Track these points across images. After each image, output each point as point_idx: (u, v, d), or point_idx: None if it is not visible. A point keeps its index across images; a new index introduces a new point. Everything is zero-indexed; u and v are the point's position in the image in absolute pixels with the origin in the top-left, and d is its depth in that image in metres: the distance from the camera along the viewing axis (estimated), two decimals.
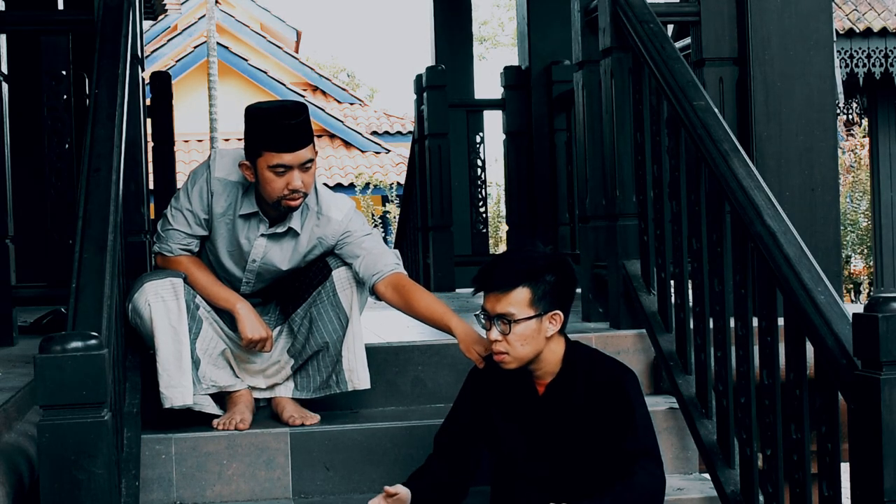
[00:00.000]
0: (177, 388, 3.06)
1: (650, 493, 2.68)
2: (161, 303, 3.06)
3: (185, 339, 3.08)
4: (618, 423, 2.70)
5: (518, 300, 2.68)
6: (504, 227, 10.11)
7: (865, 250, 13.93)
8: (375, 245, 3.24)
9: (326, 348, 3.23)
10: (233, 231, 3.20)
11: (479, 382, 2.90)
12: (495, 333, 2.70)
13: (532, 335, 2.69)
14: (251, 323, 3.17)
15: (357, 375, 3.23)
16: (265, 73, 20.04)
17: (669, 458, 3.28)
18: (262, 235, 3.19)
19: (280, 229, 3.18)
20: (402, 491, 2.77)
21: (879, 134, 12.81)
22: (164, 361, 3.05)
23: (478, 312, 2.77)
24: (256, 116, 3.06)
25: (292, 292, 3.29)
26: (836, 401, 2.54)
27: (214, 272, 3.29)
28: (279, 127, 3.01)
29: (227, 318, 3.25)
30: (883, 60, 11.79)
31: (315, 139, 3.12)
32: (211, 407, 3.19)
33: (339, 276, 3.22)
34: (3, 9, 3.78)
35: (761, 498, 2.90)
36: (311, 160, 3.07)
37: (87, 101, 3.61)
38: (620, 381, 2.74)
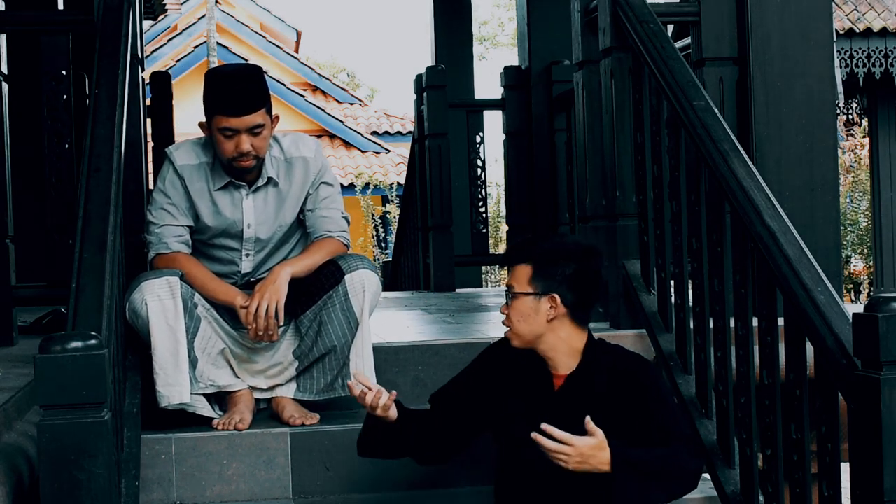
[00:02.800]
0: (174, 387, 3.06)
1: (689, 471, 2.64)
2: (157, 301, 3.06)
3: (181, 338, 3.08)
4: (647, 410, 2.68)
5: (519, 275, 2.74)
6: (504, 227, 10.10)
7: (865, 250, 13.93)
8: (331, 206, 3.33)
9: (334, 351, 3.22)
10: (216, 207, 3.26)
11: (492, 365, 2.88)
12: (503, 304, 2.79)
13: (528, 313, 2.72)
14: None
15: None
16: (265, 73, 20.04)
17: None
18: (248, 195, 3.26)
19: (261, 182, 3.27)
20: (392, 411, 2.77)
21: (879, 134, 12.81)
22: (160, 360, 3.05)
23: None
24: (209, 80, 3.18)
25: (301, 293, 3.26)
26: (836, 401, 2.54)
27: (211, 259, 3.30)
28: (227, 91, 3.13)
29: (228, 316, 3.25)
30: (883, 60, 11.79)
31: (270, 104, 3.22)
32: (206, 409, 3.18)
33: (352, 280, 3.20)
34: (3, 9, 3.78)
35: (761, 498, 2.90)
36: (261, 125, 3.16)
37: (87, 101, 3.61)
38: (645, 368, 2.75)
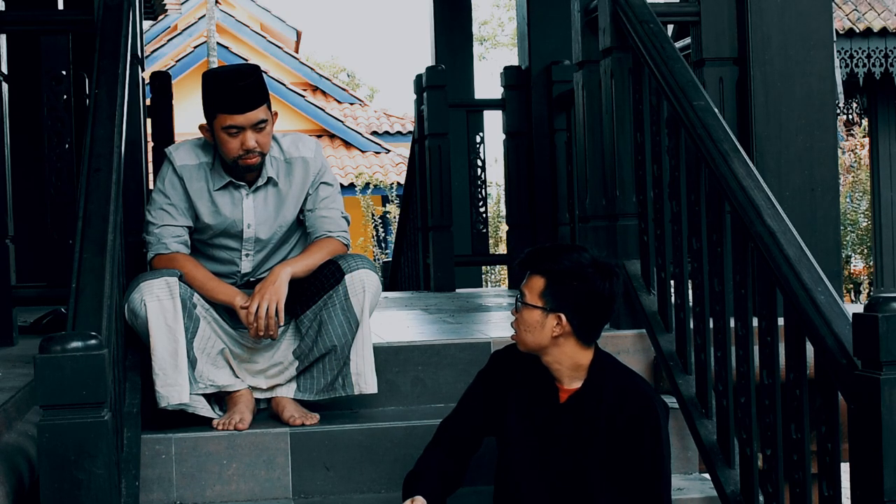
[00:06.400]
0: (173, 387, 3.06)
1: None
2: (156, 302, 3.06)
3: (181, 338, 3.07)
4: (641, 474, 2.67)
5: (532, 286, 2.73)
6: (504, 227, 10.10)
7: (865, 250, 13.92)
8: (331, 206, 3.34)
9: (334, 351, 3.22)
10: (216, 207, 3.27)
11: (499, 372, 2.86)
12: (514, 307, 2.78)
13: (534, 326, 2.70)
14: None
15: (364, 380, 3.22)
16: (265, 73, 20.01)
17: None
18: (248, 195, 3.27)
19: (261, 182, 3.28)
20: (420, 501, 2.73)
21: (879, 134, 12.81)
22: (160, 360, 3.05)
23: None
24: (210, 80, 3.20)
25: (301, 292, 3.27)
26: (836, 401, 2.54)
27: (211, 260, 3.30)
28: (229, 89, 3.15)
29: (228, 316, 3.24)
30: (883, 60, 11.79)
31: (269, 100, 3.24)
32: (205, 410, 3.17)
33: (352, 280, 3.20)
34: (3, 9, 3.78)
35: (761, 498, 2.90)
36: (265, 121, 3.19)
37: (87, 101, 3.61)
38: (654, 422, 2.68)
